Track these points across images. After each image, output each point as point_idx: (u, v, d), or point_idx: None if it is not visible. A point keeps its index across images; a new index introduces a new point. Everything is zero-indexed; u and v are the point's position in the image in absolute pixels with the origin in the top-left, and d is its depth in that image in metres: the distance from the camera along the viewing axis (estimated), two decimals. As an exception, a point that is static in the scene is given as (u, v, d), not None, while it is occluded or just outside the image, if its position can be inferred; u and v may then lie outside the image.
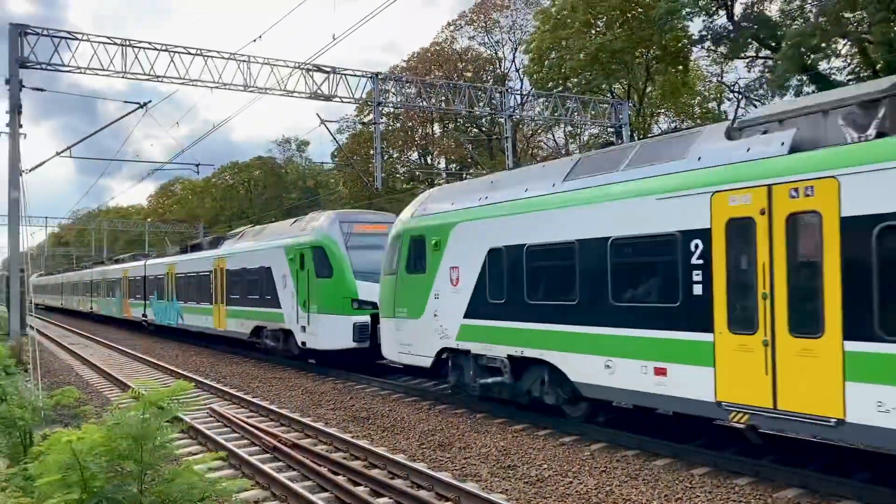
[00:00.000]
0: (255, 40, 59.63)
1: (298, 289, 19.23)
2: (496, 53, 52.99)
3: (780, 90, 30.77)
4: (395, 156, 57.37)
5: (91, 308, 47.45)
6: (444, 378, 14.35)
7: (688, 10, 32.91)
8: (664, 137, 10.81)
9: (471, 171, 52.56)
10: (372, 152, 33.39)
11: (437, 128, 55.21)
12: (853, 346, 7.26)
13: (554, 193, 11.16)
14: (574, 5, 39.00)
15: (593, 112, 32.59)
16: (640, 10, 37.72)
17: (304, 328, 18.95)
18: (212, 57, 23.93)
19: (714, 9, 33.35)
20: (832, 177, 7.42)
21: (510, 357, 11.90)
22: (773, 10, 33.41)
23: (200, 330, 27.02)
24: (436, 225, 13.61)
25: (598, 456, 9.90)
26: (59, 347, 29.23)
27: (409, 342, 14.29)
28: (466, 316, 12.74)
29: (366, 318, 17.53)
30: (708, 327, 8.58)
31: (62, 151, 26.41)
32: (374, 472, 9.14)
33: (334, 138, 38.53)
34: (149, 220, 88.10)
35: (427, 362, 13.91)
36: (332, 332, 17.84)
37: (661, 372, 9.21)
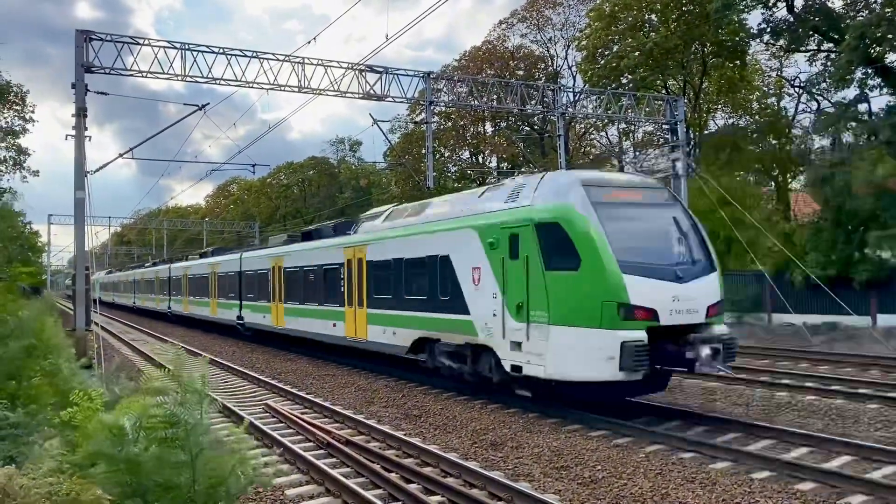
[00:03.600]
0: (309, 42, 60.62)
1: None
2: (548, 51, 52.53)
3: (842, 84, 29.75)
4: (446, 155, 57.40)
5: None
6: None
7: (745, 2, 32.03)
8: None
9: (522, 169, 52.27)
10: (423, 151, 33.56)
11: (488, 126, 54.98)
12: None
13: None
14: (627, 2, 38.41)
15: (647, 109, 31.97)
16: (693, 6, 36.90)
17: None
18: (267, 59, 24.31)
19: (773, 1, 32.38)
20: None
21: None
22: (835, 2, 32.31)
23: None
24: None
25: (653, 458, 9.74)
26: (120, 342, 30.16)
27: None
28: None
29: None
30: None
31: (125, 153, 27.40)
32: (427, 471, 9.17)
33: (387, 138, 39.01)
34: (206, 219, 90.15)
35: None
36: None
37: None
